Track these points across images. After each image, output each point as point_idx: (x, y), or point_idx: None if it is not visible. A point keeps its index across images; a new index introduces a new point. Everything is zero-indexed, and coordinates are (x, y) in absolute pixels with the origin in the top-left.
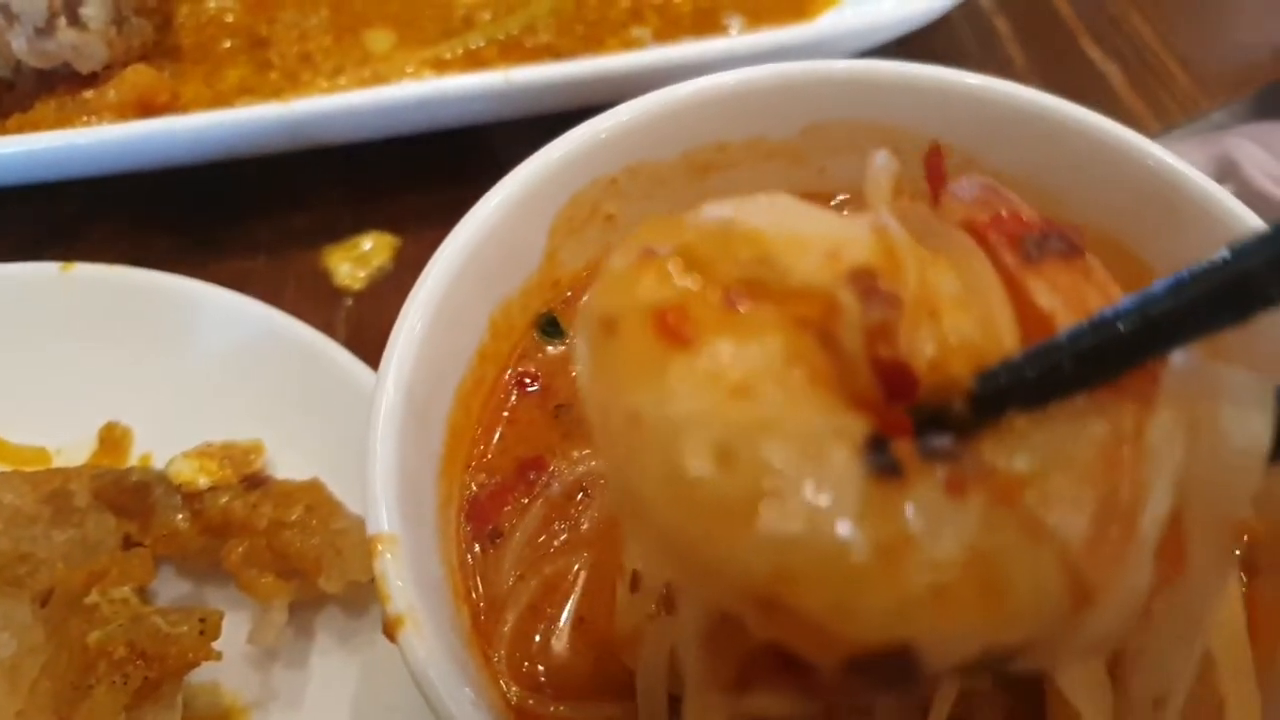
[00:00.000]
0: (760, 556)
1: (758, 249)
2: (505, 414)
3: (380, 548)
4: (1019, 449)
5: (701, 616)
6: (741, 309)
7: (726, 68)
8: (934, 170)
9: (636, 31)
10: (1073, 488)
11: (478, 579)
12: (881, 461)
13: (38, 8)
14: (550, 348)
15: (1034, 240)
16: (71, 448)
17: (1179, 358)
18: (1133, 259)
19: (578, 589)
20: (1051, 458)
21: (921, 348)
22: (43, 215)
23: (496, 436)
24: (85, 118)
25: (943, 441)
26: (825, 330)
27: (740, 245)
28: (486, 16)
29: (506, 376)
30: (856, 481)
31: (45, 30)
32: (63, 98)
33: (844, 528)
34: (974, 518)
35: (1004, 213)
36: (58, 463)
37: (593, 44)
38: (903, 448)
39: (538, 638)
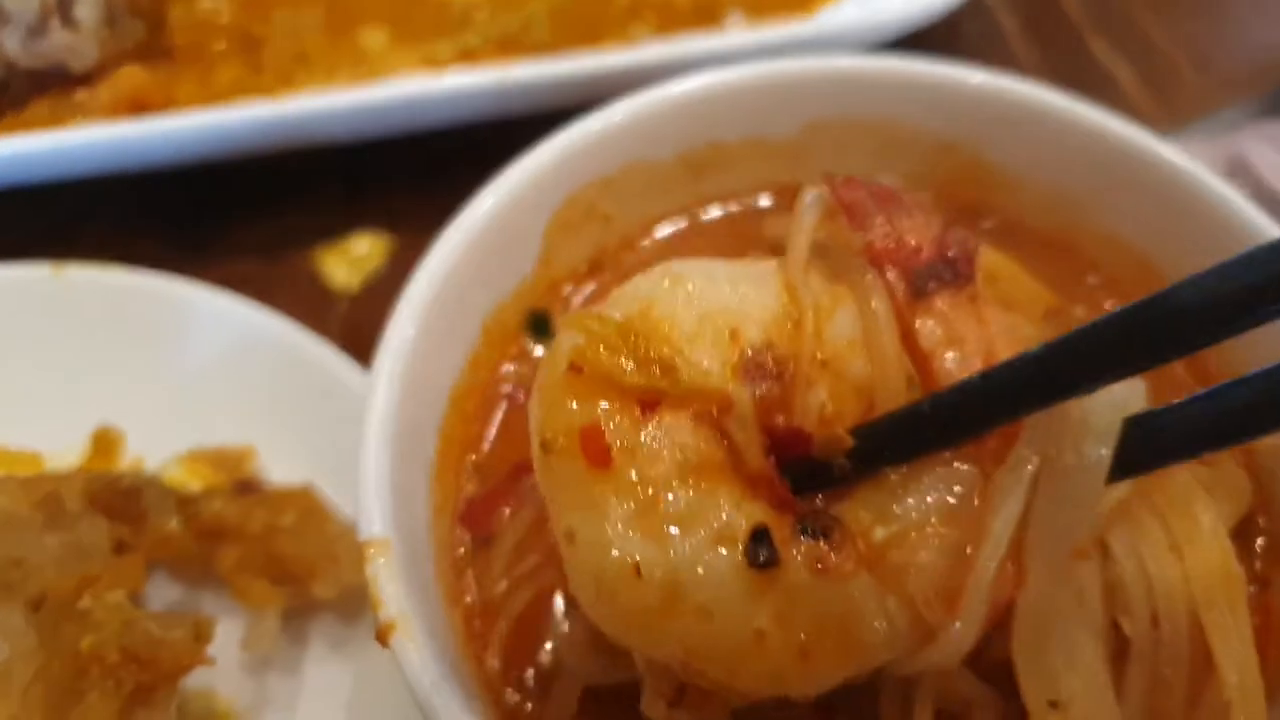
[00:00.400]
0: (670, 644)
1: (662, 351)
2: (498, 419)
3: (372, 553)
4: (883, 514)
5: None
6: (651, 414)
7: (726, 65)
8: (840, 200)
9: (636, 29)
10: (923, 545)
11: (471, 584)
12: (762, 557)
13: (30, 8)
14: (538, 346)
15: (924, 273)
16: (63, 451)
17: None
18: (1141, 259)
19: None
20: (909, 520)
21: (813, 406)
22: (35, 216)
23: (489, 441)
24: (78, 118)
25: (817, 520)
26: (720, 422)
27: (648, 349)
28: (483, 14)
29: (499, 381)
30: (739, 580)
31: (38, 30)
32: (55, 98)
33: (727, 621)
34: (836, 591)
35: (901, 240)
36: (50, 467)
37: (590, 42)
38: (782, 532)
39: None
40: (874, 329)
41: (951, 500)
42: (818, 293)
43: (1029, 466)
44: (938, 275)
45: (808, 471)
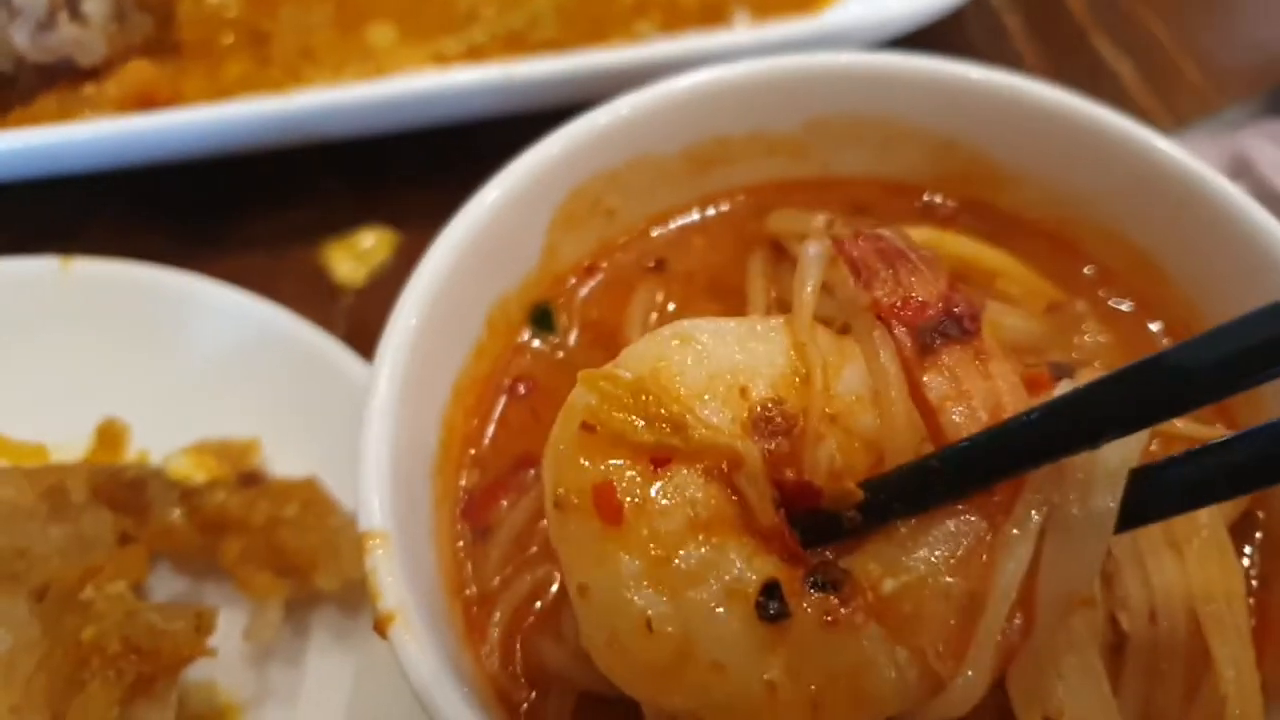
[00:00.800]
0: (681, 698)
1: (673, 410)
2: (500, 410)
3: (372, 544)
4: (892, 566)
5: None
6: (663, 470)
7: (731, 62)
8: (847, 257)
9: (641, 26)
10: (933, 597)
11: (471, 575)
12: (773, 610)
13: (39, 2)
14: (540, 342)
15: (930, 329)
16: (69, 443)
17: None
18: (1141, 254)
19: (560, 587)
20: (918, 571)
21: (823, 459)
22: (43, 209)
23: (490, 434)
24: (86, 112)
25: (827, 574)
26: (731, 478)
27: (659, 408)
28: (489, 11)
29: (502, 374)
30: (750, 634)
31: (46, 25)
32: (63, 92)
33: (738, 676)
34: (846, 643)
35: (906, 290)
36: (55, 458)
37: (596, 39)
38: (792, 585)
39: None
40: (883, 384)
41: (960, 552)
42: (825, 349)
43: (1035, 518)
44: (944, 331)
45: (818, 525)
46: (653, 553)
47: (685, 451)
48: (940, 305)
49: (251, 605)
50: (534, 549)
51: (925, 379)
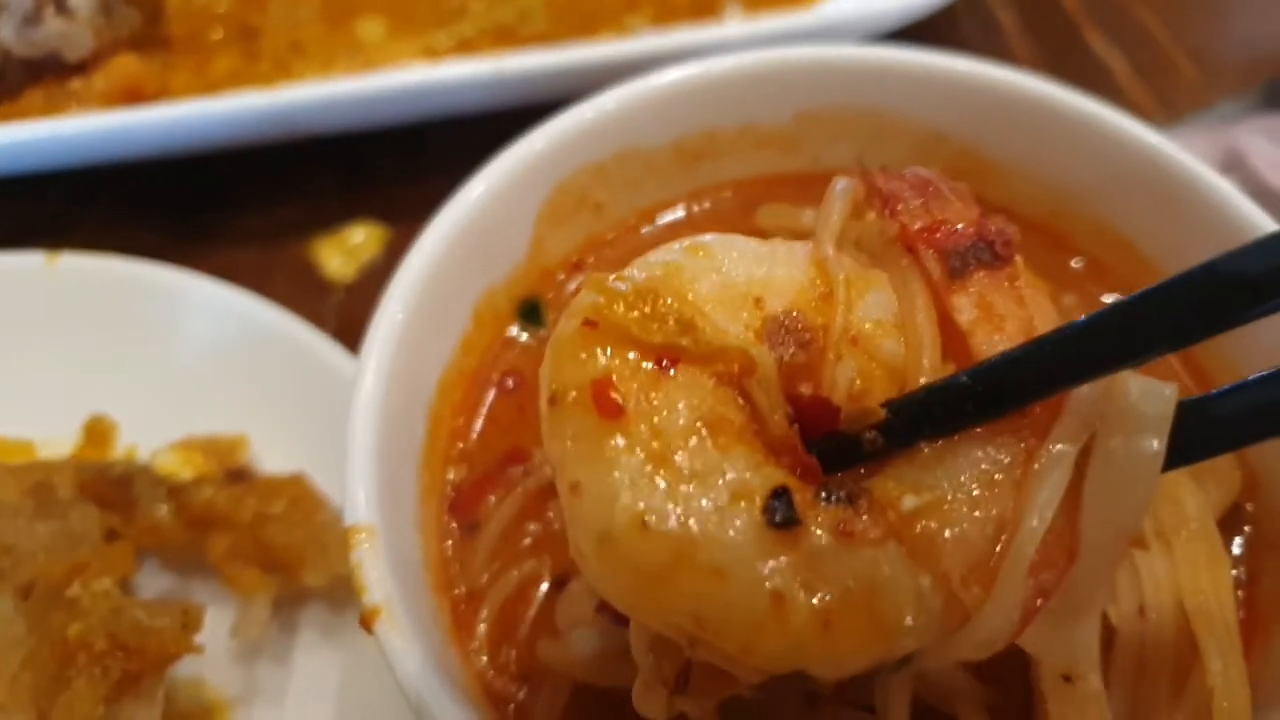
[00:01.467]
0: (677, 608)
1: (683, 310)
2: (487, 405)
3: (358, 539)
4: (915, 484)
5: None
6: (668, 373)
7: (723, 55)
8: (876, 189)
9: (631, 20)
10: (958, 519)
11: (458, 571)
12: (780, 516)
13: None
14: (528, 335)
15: (960, 253)
16: (56, 440)
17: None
18: (1130, 247)
19: (549, 583)
20: (943, 491)
21: (842, 379)
22: (29, 205)
23: (477, 428)
24: (73, 107)
25: (842, 488)
26: (741, 383)
27: (668, 308)
28: (479, 5)
29: (489, 368)
30: (754, 538)
31: (33, 19)
32: (50, 87)
33: (741, 582)
34: (861, 557)
35: (937, 217)
36: (42, 454)
37: (587, 33)
38: (804, 497)
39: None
40: (909, 306)
41: (989, 474)
42: (850, 271)
43: (1074, 444)
44: (976, 256)
45: (836, 449)
46: (652, 449)
47: (693, 353)
48: (972, 230)
49: (239, 602)
50: (524, 543)
51: (954, 301)
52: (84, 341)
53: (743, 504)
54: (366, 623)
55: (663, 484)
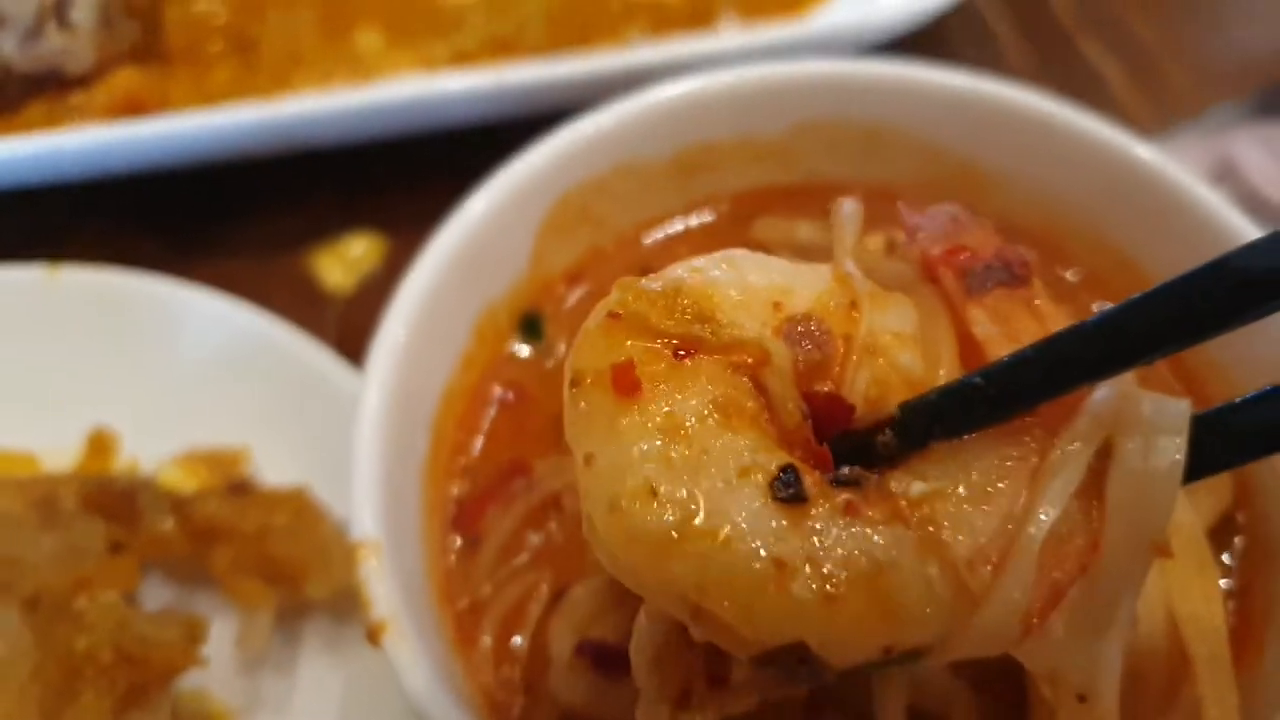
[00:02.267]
0: (681, 575)
1: (704, 306)
2: (488, 419)
3: (363, 553)
4: (923, 475)
5: (651, 641)
6: (686, 361)
7: (719, 66)
8: (901, 222)
9: (628, 30)
10: (967, 508)
11: (461, 584)
12: (787, 491)
13: (26, 10)
14: (530, 350)
15: (978, 273)
16: (58, 451)
17: (1101, 389)
18: (1123, 258)
19: (550, 597)
20: (953, 482)
21: (859, 383)
22: (30, 217)
23: (479, 443)
24: (74, 120)
25: (850, 471)
26: (756, 375)
27: (688, 305)
28: (477, 16)
29: (490, 382)
30: (760, 509)
31: (34, 33)
32: (52, 100)
33: (744, 548)
34: (866, 536)
35: (959, 244)
36: (45, 466)
37: (584, 43)
38: (813, 478)
39: (516, 640)
40: (929, 320)
41: (1001, 466)
42: (871, 288)
43: (1090, 443)
44: (994, 276)
45: (849, 449)
46: (665, 426)
47: (710, 343)
48: (991, 253)
49: (242, 614)
50: (524, 557)
51: (971, 314)
52: (85, 353)
53: (751, 477)
54: (373, 637)
55: (674, 456)
